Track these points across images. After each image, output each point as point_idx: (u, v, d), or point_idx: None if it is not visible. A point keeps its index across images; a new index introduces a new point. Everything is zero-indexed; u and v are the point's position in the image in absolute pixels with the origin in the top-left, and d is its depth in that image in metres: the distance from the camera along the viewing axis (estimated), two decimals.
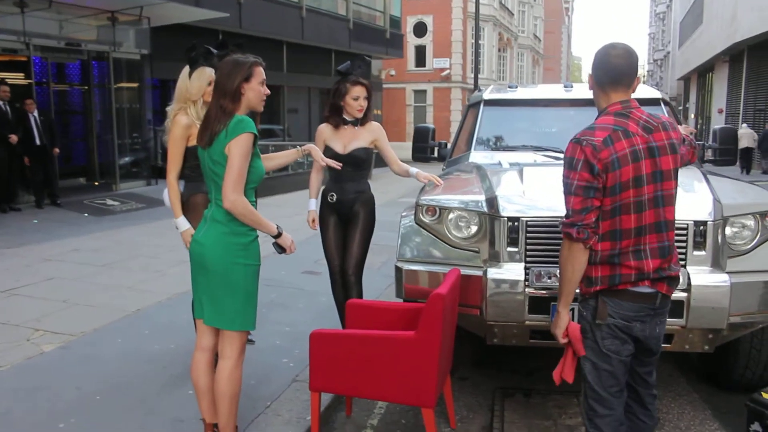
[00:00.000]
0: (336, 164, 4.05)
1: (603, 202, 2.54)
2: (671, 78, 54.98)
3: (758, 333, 3.88)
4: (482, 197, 3.93)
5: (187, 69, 4.08)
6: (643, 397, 2.82)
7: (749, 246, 3.70)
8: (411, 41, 35.28)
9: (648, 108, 5.24)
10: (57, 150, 11.57)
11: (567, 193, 2.59)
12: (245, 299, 3.07)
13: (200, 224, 3.16)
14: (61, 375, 4.32)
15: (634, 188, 2.52)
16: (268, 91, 3.15)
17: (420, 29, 35.85)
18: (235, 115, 2.95)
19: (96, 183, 14.16)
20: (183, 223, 4.04)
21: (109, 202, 12.28)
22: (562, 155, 4.62)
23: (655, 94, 5.52)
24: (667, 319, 2.80)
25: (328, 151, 4.56)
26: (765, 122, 23.74)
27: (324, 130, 4.63)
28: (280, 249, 3.21)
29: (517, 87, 5.84)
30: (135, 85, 14.51)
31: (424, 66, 36.27)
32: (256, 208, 3.10)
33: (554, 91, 5.82)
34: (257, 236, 3.12)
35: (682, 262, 3.51)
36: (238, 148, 2.89)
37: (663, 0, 64.88)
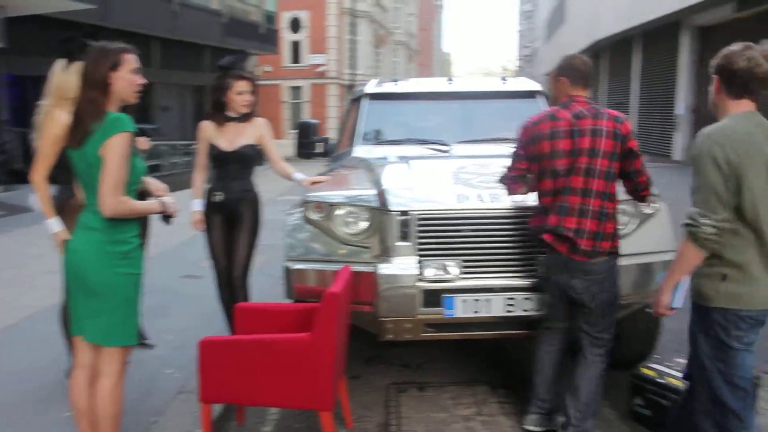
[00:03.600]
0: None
1: (531, 168, 3.35)
2: (539, 74, 57.46)
3: (635, 313, 4.06)
4: (371, 192, 3.87)
5: (62, 62, 3.75)
6: (582, 340, 3.40)
7: (626, 231, 3.85)
8: (286, 37, 34.80)
9: (526, 100, 5.47)
10: None
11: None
12: (127, 312, 2.85)
13: (74, 231, 2.90)
14: None
15: (549, 159, 3.23)
16: (143, 80, 2.92)
17: (295, 25, 35.45)
18: (109, 113, 2.71)
19: None
20: (56, 224, 3.74)
21: None
22: (446, 148, 4.73)
23: (534, 86, 5.67)
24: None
25: (213, 149, 4.36)
26: (626, 114, 25.20)
27: (206, 127, 4.42)
28: (167, 218, 3.06)
29: (399, 81, 5.84)
30: None
31: (300, 62, 35.91)
32: (138, 223, 2.91)
33: (437, 84, 5.86)
34: (140, 243, 2.91)
35: None
36: (114, 150, 2.67)
37: None
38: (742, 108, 2.57)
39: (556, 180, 3.25)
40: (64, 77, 3.69)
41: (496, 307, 3.59)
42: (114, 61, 2.78)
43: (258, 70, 29.12)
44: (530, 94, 5.51)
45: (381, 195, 3.76)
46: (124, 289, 2.82)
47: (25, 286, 6.64)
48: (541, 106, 5.33)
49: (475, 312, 3.59)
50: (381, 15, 43.14)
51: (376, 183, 3.94)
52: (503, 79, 5.81)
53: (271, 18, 26.44)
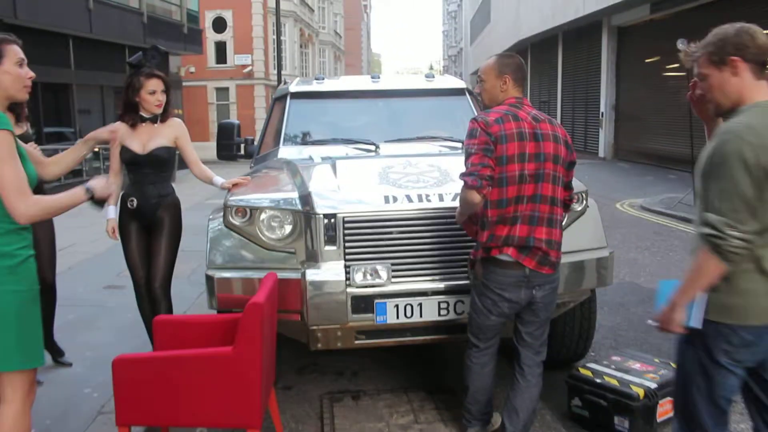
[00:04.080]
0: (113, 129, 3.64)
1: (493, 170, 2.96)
2: (465, 73, 58.20)
3: (570, 312, 4.02)
4: (295, 194, 3.69)
5: None
6: (522, 356, 3.24)
7: None
8: (210, 37, 34.10)
9: (453, 97, 5.39)
10: None
11: (467, 155, 3.00)
12: (21, 332, 2.56)
13: None
14: None
15: (518, 163, 2.96)
16: (32, 74, 2.64)
17: (219, 24, 34.78)
18: None
19: None
20: None
21: None
22: (373, 147, 4.59)
23: (460, 84, 5.61)
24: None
25: (126, 153, 4.10)
26: (548, 113, 25.73)
27: (119, 129, 4.15)
28: (99, 203, 2.79)
29: (324, 79, 5.67)
30: None
31: (226, 63, 35.27)
32: (28, 232, 2.63)
33: (362, 82, 5.73)
34: (31, 255, 2.63)
35: None
36: None
37: (454, 0, 68.43)
38: (763, 94, 2.22)
39: (521, 186, 2.98)
40: None
41: (428, 311, 3.48)
42: None
43: (182, 71, 28.40)
44: (458, 92, 5.43)
45: (306, 197, 3.59)
46: (12, 308, 2.53)
47: None
48: (470, 105, 5.27)
49: (408, 317, 3.47)
50: (307, 15, 42.84)
51: (301, 185, 3.77)
52: (429, 76, 5.72)
53: (194, 17, 25.78)
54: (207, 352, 2.96)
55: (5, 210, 2.50)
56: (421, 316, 3.48)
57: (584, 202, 3.90)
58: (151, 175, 4.12)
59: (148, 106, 4.07)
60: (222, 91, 35.55)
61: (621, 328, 5.26)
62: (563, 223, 3.45)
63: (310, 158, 4.47)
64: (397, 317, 3.46)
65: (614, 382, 3.43)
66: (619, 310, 5.69)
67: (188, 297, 6.08)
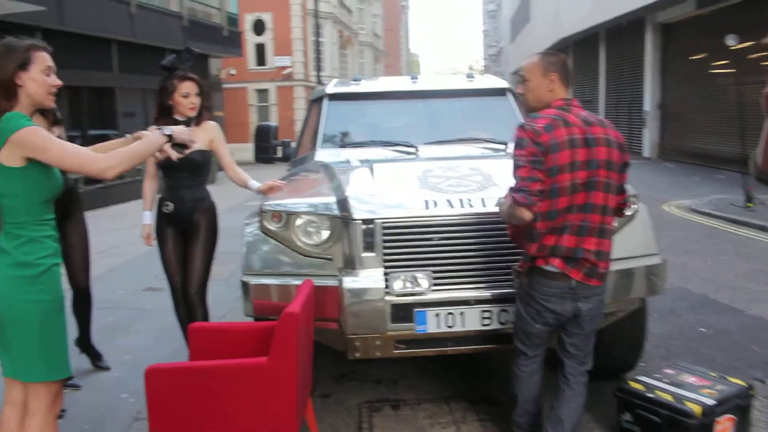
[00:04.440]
0: (174, 154, 3.53)
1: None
2: (505, 73, 57.66)
3: (619, 321, 3.84)
4: (332, 199, 3.59)
5: None
6: (566, 366, 3.09)
7: None
8: (250, 39, 34.34)
9: (495, 98, 5.24)
10: None
11: (516, 167, 2.83)
12: (43, 344, 2.50)
13: None
14: None
15: (570, 172, 2.78)
16: (58, 82, 2.58)
17: (259, 27, 34.99)
18: (6, 113, 2.39)
19: None
20: None
21: None
22: (412, 150, 4.47)
23: (502, 83, 5.45)
24: None
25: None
26: (594, 113, 25.27)
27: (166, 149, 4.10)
28: (181, 146, 2.73)
29: (361, 80, 5.56)
30: None
31: (265, 65, 35.45)
32: (56, 231, 2.58)
33: (400, 83, 5.61)
34: (55, 264, 2.56)
35: None
36: (39, 144, 2.36)
37: None
38: None
39: (572, 196, 2.81)
40: None
41: (471, 320, 3.34)
42: (22, 60, 2.44)
43: (222, 73, 28.64)
44: (500, 92, 5.27)
45: (343, 202, 3.48)
46: (34, 319, 2.47)
47: None
48: (512, 105, 5.11)
49: (449, 327, 3.33)
50: (345, 16, 42.88)
51: (338, 189, 3.66)
52: (470, 76, 5.57)
53: (233, 20, 25.96)
54: (241, 362, 2.88)
55: (28, 217, 2.46)
56: (463, 325, 3.34)
57: (634, 206, 3.72)
58: (186, 179, 4.06)
59: (182, 109, 4.02)
60: (262, 93, 35.76)
61: (672, 336, 5.04)
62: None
63: (348, 161, 4.37)
64: (438, 326, 3.33)
65: (668, 398, 3.24)
66: (670, 317, 5.47)
67: (226, 300, 6.03)
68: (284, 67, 35.21)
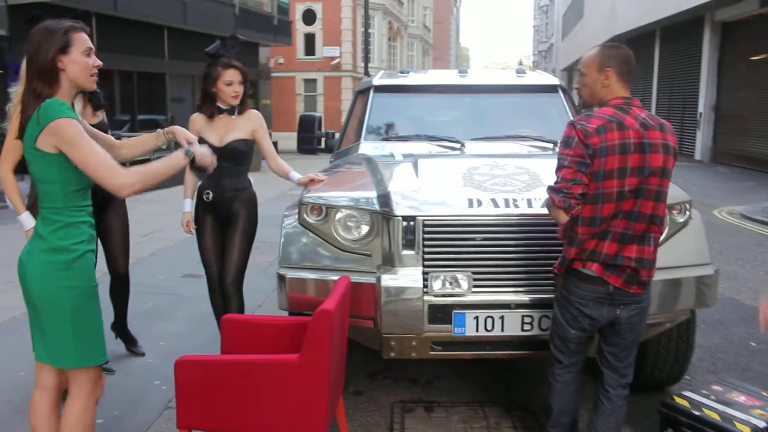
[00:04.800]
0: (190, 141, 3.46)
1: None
2: (555, 69, 56.83)
3: (665, 332, 3.68)
4: (374, 194, 3.50)
5: None
6: (605, 377, 2.95)
7: None
8: (300, 29, 34.51)
9: (545, 95, 5.08)
10: None
11: (559, 167, 2.70)
12: (76, 330, 2.47)
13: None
14: None
15: (618, 179, 2.63)
16: (99, 63, 2.52)
17: (309, 17, 35.13)
18: (45, 102, 2.35)
19: None
20: (28, 220, 3.43)
21: None
22: (458, 146, 4.36)
23: (553, 80, 5.28)
24: None
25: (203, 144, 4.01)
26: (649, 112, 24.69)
27: (197, 120, 4.07)
28: (201, 170, 2.67)
29: (409, 72, 5.45)
30: None
31: (314, 54, 35.61)
32: (91, 217, 2.54)
33: (449, 76, 5.49)
34: (89, 250, 2.53)
35: None
36: (67, 138, 2.31)
37: None
38: None
39: (619, 203, 2.67)
40: None
41: (511, 325, 3.21)
42: (62, 43, 2.39)
43: (271, 62, 28.81)
44: (551, 89, 5.11)
45: (385, 198, 3.39)
46: (67, 305, 2.44)
47: (6, 285, 6.34)
48: (563, 103, 4.94)
49: (488, 330, 3.22)
50: (396, 8, 42.72)
51: (380, 184, 3.57)
52: (520, 72, 5.41)
53: (284, 9, 26.10)
54: (272, 358, 2.82)
55: (64, 203, 2.42)
56: (502, 329, 3.22)
57: (687, 212, 3.55)
58: (227, 168, 4.01)
59: (225, 97, 3.96)
60: (310, 83, 35.93)
61: (720, 349, 4.83)
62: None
63: (391, 155, 4.27)
64: (477, 330, 3.22)
65: (715, 417, 3.07)
66: (718, 329, 5.25)
67: (264, 290, 6.01)
68: (332, 58, 35.31)
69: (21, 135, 2.39)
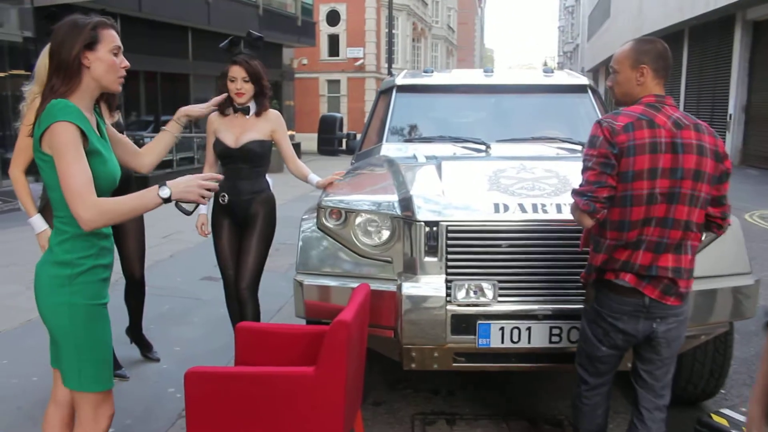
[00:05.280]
0: (218, 99, 3.21)
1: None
2: (581, 70, 56.30)
3: (701, 346, 3.49)
4: (395, 197, 3.36)
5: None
6: (639, 398, 2.74)
7: None
8: (324, 30, 34.51)
9: (574, 95, 4.90)
10: None
11: (584, 168, 2.57)
12: (78, 351, 2.28)
13: None
14: None
15: (648, 180, 2.46)
16: (126, 63, 2.33)
17: (333, 18, 35.11)
18: (53, 101, 2.17)
19: None
20: (38, 223, 3.35)
21: None
22: (483, 147, 4.20)
23: (582, 80, 5.09)
24: None
25: (219, 145, 3.90)
26: None
27: (214, 119, 3.96)
28: (186, 209, 2.30)
29: (433, 72, 5.30)
30: (20, 71, 13.22)
31: (338, 55, 35.58)
32: (99, 239, 2.37)
33: (474, 76, 5.33)
34: (100, 265, 2.34)
35: None
36: (56, 144, 2.12)
37: None
38: None
39: (650, 207, 2.48)
40: (44, 60, 3.25)
41: (538, 337, 3.06)
42: (90, 39, 2.21)
43: (294, 62, 28.82)
44: (580, 89, 4.93)
45: (406, 202, 3.24)
46: (66, 323, 2.26)
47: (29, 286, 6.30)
48: (592, 103, 4.76)
49: (514, 342, 3.06)
50: (420, 8, 42.58)
51: (402, 187, 3.43)
52: (548, 71, 5.24)
53: (308, 10, 26.09)
54: (286, 371, 2.69)
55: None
56: (529, 341, 3.06)
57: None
58: (244, 170, 3.89)
59: (230, 94, 3.83)
60: (333, 84, 35.92)
61: (756, 361, 4.61)
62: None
63: (414, 157, 4.12)
64: (502, 341, 3.06)
65: None
66: (753, 340, 5.03)
67: (284, 294, 5.89)
68: (356, 59, 35.26)
69: (32, 134, 2.26)
